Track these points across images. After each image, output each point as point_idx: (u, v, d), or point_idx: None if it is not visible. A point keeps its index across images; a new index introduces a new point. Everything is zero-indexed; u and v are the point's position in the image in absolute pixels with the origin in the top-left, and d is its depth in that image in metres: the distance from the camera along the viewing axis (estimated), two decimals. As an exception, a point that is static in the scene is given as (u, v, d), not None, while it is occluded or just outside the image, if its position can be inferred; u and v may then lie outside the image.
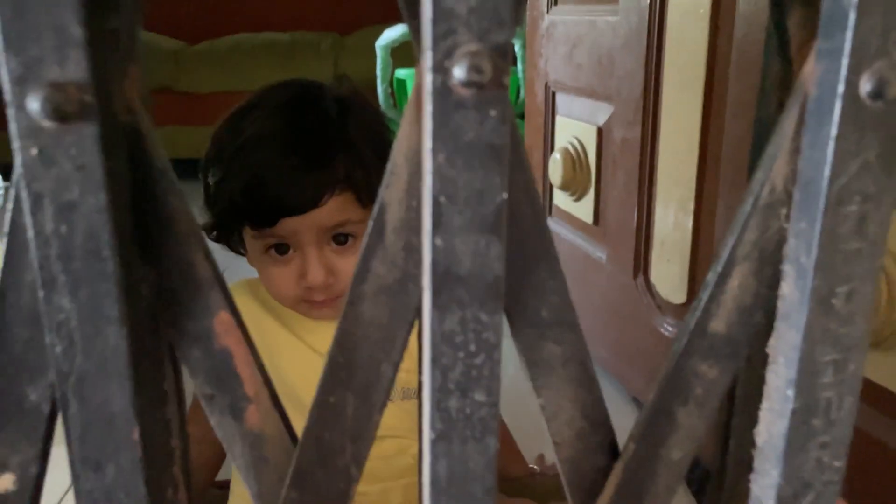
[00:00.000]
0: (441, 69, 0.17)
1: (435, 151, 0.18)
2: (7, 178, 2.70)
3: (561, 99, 1.20)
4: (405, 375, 0.61)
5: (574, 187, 1.15)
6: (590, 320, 1.12)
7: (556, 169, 1.15)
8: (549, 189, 1.26)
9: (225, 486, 0.67)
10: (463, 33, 0.17)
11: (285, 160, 0.55)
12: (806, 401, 0.20)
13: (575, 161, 1.13)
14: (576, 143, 1.13)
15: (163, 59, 2.49)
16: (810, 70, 0.19)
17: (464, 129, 0.18)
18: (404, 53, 1.95)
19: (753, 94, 0.75)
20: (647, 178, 0.97)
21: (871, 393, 0.61)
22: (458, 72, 0.17)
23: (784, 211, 0.20)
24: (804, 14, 0.20)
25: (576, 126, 1.14)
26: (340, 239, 0.57)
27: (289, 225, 0.55)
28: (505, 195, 0.18)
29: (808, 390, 0.20)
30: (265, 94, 0.60)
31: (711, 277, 0.21)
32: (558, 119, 1.21)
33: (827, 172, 0.19)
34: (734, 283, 0.21)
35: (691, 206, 0.87)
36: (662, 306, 0.97)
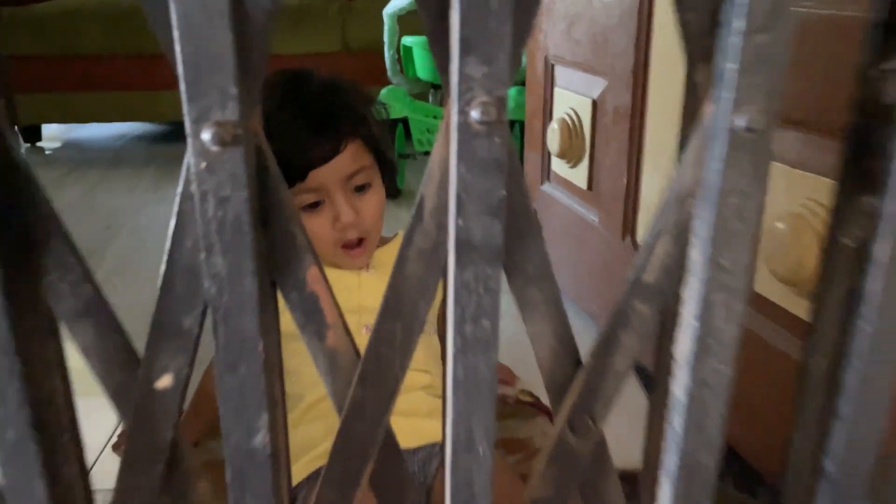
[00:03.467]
0: (463, 112, 0.27)
1: (458, 164, 0.27)
2: (27, 140, 2.77)
3: (559, 72, 1.28)
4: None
5: (570, 155, 1.24)
6: (584, 276, 1.23)
7: (553, 138, 1.24)
8: (548, 157, 1.35)
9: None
10: (478, 90, 0.27)
11: (305, 125, 0.70)
12: (705, 328, 0.30)
13: (571, 131, 1.22)
14: (572, 113, 1.22)
15: (174, 23, 2.54)
16: (707, 109, 0.29)
17: (478, 150, 0.27)
18: (411, 21, 2.01)
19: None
20: (636, 147, 1.06)
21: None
22: (475, 114, 0.27)
23: (692, 201, 0.30)
24: (705, 70, 0.29)
25: (572, 98, 1.22)
26: (359, 187, 0.73)
27: (317, 177, 0.70)
28: (503, 192, 0.28)
29: (706, 321, 0.30)
30: (264, 83, 0.73)
31: (644, 246, 0.31)
32: (556, 91, 1.29)
33: (718, 177, 0.28)
34: (660, 249, 0.31)
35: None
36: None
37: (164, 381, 0.32)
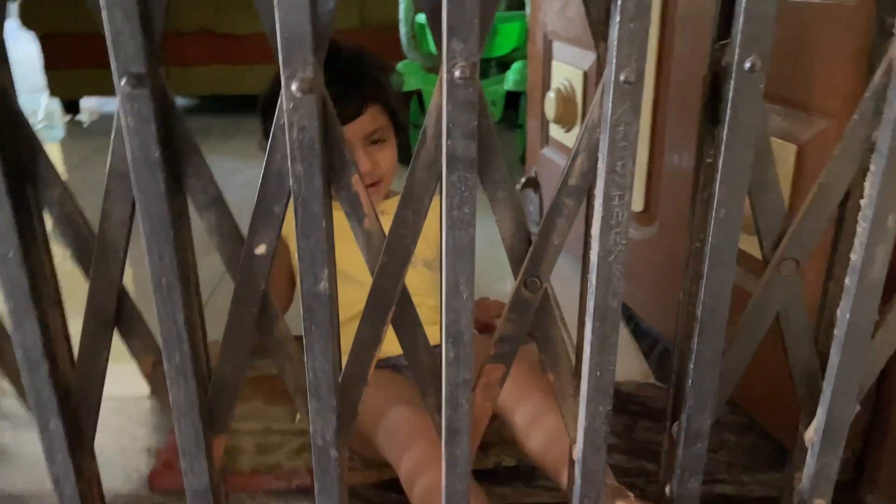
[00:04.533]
0: (450, 71, 0.44)
1: (447, 104, 0.45)
2: (67, 111, 2.97)
3: (556, 46, 1.44)
4: (427, 250, 0.96)
5: (565, 121, 1.40)
6: (578, 226, 1.39)
7: (550, 106, 1.40)
8: (546, 123, 1.51)
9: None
10: (459, 58, 0.44)
11: (334, 89, 0.86)
12: (607, 212, 0.47)
13: (566, 99, 1.38)
14: (567, 84, 1.38)
15: (204, 4, 2.71)
16: (605, 70, 0.45)
17: (459, 95, 0.44)
18: None
19: (694, 48, 1.00)
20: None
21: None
22: (457, 73, 0.44)
23: (598, 131, 0.47)
24: (603, 45, 0.46)
25: (567, 70, 1.38)
26: (375, 141, 0.92)
27: (346, 132, 0.88)
28: (476, 123, 0.45)
29: (608, 208, 0.47)
30: None
31: (570, 160, 0.48)
32: (554, 63, 1.45)
33: (609, 112, 0.45)
34: (579, 161, 0.48)
35: (648, 135, 1.13)
36: (628, 214, 1.24)
37: (261, 249, 0.49)
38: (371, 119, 0.91)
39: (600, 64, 0.47)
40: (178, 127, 0.47)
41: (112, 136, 0.46)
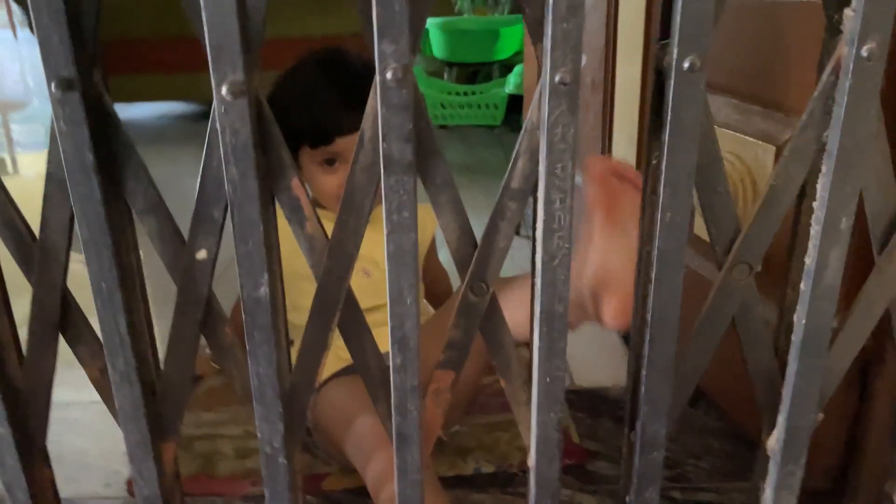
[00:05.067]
0: (383, 74, 0.43)
1: (380, 108, 0.44)
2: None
3: (548, 48, 1.43)
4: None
5: (557, 123, 1.39)
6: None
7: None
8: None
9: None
10: (391, 61, 0.43)
11: (340, 99, 0.87)
12: (548, 216, 0.46)
13: (558, 101, 1.36)
14: (558, 86, 1.37)
15: (209, 9, 2.74)
16: (542, 71, 0.45)
17: (392, 98, 0.44)
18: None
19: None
20: (608, 117, 1.21)
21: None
22: (389, 75, 0.43)
23: (537, 133, 0.46)
24: (540, 46, 0.45)
25: (559, 72, 1.37)
26: None
27: (341, 143, 0.87)
28: (411, 126, 0.44)
29: (549, 211, 0.46)
30: (305, 59, 0.89)
31: (511, 162, 0.47)
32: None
33: (546, 114, 0.44)
34: (520, 164, 0.47)
35: (635, 138, 1.11)
36: (618, 218, 1.23)
37: (201, 254, 0.49)
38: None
39: (539, 66, 0.46)
40: (114, 131, 0.47)
41: (48, 142, 0.46)
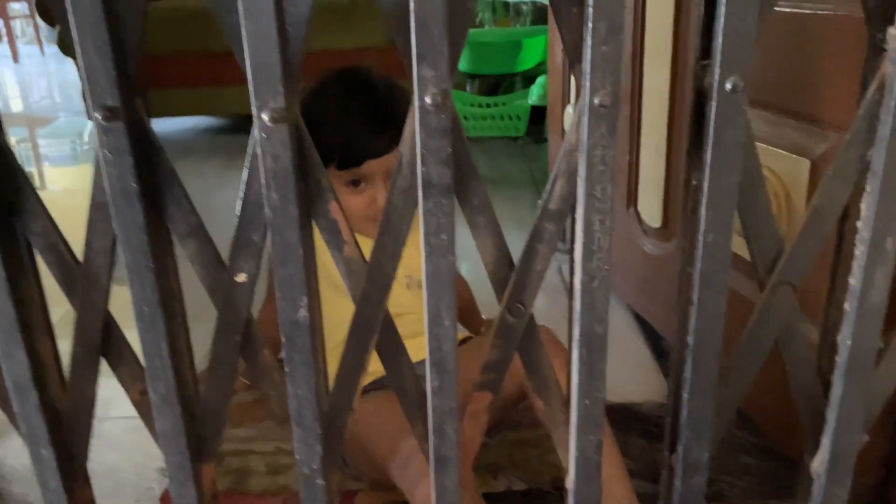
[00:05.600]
0: (422, 99, 0.43)
1: (420, 132, 0.44)
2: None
3: (574, 61, 1.42)
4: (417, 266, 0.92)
5: (583, 135, 1.38)
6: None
7: (569, 121, 1.38)
8: (566, 137, 1.49)
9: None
10: (431, 86, 0.43)
11: (368, 123, 0.89)
12: (588, 237, 0.46)
13: (584, 114, 1.36)
14: (584, 98, 1.36)
15: (234, 24, 2.77)
16: (580, 93, 0.44)
17: (431, 122, 0.44)
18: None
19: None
20: (635, 128, 1.20)
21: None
22: (428, 99, 0.43)
23: (576, 154, 0.46)
24: (579, 69, 0.45)
25: (584, 84, 1.37)
26: None
27: (369, 166, 0.88)
28: (450, 149, 0.44)
29: (589, 233, 0.46)
30: (330, 79, 0.90)
31: (549, 184, 0.47)
32: (573, 78, 1.43)
33: (586, 136, 0.44)
34: (558, 186, 0.47)
35: (664, 150, 1.10)
36: (647, 230, 1.22)
37: (241, 277, 0.49)
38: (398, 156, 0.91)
39: (577, 87, 0.46)
40: (156, 158, 0.47)
41: (93, 169, 0.47)
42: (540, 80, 2.16)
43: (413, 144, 0.45)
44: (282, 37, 0.43)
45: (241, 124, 3.23)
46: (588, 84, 0.43)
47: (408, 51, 0.44)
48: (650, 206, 1.18)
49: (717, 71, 0.43)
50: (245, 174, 0.47)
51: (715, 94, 0.44)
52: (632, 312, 1.32)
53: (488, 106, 2.29)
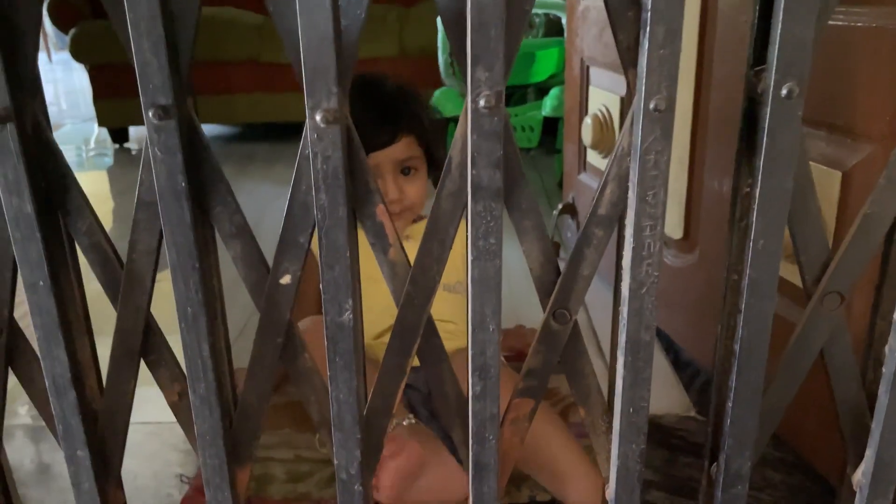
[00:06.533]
0: (475, 101, 0.43)
1: (472, 134, 0.44)
2: (115, 140, 3.06)
3: (593, 72, 1.43)
4: (449, 274, 0.92)
5: (602, 147, 1.38)
6: (614, 253, 1.37)
7: (587, 131, 1.38)
8: (583, 149, 1.49)
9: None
10: (483, 87, 0.43)
11: (373, 118, 0.91)
12: (638, 243, 0.46)
13: (603, 125, 1.36)
14: (604, 109, 1.36)
15: (247, 33, 2.78)
16: (634, 98, 0.44)
17: (484, 124, 0.44)
18: (462, 27, 2.17)
19: (732, 73, 0.98)
20: (656, 138, 1.20)
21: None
22: (482, 102, 0.43)
23: (627, 159, 0.46)
24: (633, 72, 0.44)
25: (604, 95, 1.37)
26: (406, 171, 0.94)
27: (374, 158, 0.90)
28: (501, 152, 0.44)
29: (639, 239, 0.46)
30: None
31: (599, 189, 0.47)
32: (591, 89, 1.44)
33: (639, 140, 0.44)
34: (608, 191, 0.47)
35: (686, 161, 1.10)
36: (667, 241, 1.21)
37: (286, 279, 0.49)
38: (404, 148, 0.93)
39: (630, 91, 0.46)
40: (204, 157, 0.47)
41: (140, 167, 0.47)
42: (553, 91, 2.17)
43: (464, 147, 0.45)
44: (337, 38, 0.43)
45: (250, 133, 3.23)
46: (643, 88, 0.43)
47: (462, 52, 0.43)
48: (671, 218, 1.18)
49: (772, 77, 0.43)
50: (293, 177, 0.47)
51: (770, 100, 0.43)
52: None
53: (500, 117, 2.27)
